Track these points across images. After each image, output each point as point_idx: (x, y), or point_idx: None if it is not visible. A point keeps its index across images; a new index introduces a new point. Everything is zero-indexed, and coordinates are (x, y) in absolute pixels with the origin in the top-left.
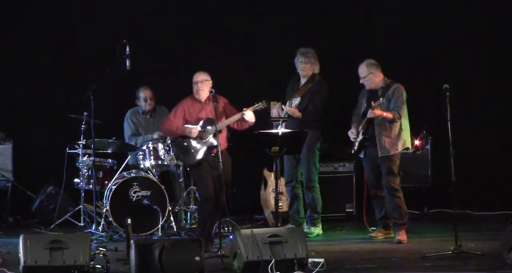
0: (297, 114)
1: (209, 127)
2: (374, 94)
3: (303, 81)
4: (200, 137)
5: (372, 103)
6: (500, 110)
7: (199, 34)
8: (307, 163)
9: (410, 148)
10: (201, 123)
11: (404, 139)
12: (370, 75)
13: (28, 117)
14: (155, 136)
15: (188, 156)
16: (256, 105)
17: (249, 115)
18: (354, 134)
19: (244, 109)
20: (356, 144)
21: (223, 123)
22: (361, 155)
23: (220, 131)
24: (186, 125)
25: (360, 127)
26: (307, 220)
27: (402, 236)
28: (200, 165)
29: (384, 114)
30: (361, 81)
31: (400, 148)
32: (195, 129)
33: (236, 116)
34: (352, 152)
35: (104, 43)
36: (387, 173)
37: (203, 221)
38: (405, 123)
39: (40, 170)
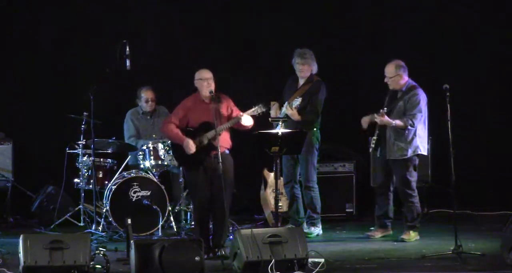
0: (296, 117)
1: (209, 132)
2: (394, 95)
3: (301, 82)
4: (199, 141)
5: (380, 110)
6: (500, 110)
7: (199, 34)
8: (306, 163)
9: (424, 154)
10: (199, 126)
11: (417, 145)
12: (397, 77)
13: (28, 117)
14: (154, 136)
15: (186, 159)
16: (253, 109)
17: (245, 119)
18: (365, 121)
19: (240, 113)
20: (374, 142)
21: (221, 127)
22: (378, 154)
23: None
24: (186, 138)
25: (377, 126)
26: (307, 220)
27: (407, 235)
28: (196, 169)
29: (393, 123)
30: (385, 80)
31: (410, 154)
32: (192, 146)
33: (233, 121)
34: (370, 150)
35: (104, 43)
36: (398, 179)
37: (200, 231)
38: (421, 129)
39: (40, 170)
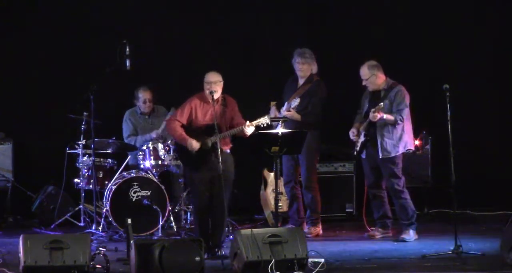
0: (296, 116)
1: (212, 137)
2: (376, 95)
3: (301, 81)
4: (203, 144)
5: (380, 104)
6: (500, 110)
7: (199, 34)
8: (306, 163)
9: (412, 149)
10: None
11: (406, 141)
12: (372, 77)
13: (28, 117)
14: (154, 135)
15: (189, 159)
16: (258, 120)
17: (250, 131)
18: (355, 134)
19: (247, 124)
20: (358, 145)
21: (225, 133)
22: (363, 156)
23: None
24: (190, 139)
25: (362, 128)
26: (307, 220)
27: (407, 234)
28: (197, 169)
29: (385, 116)
30: (363, 83)
31: (401, 150)
32: (196, 145)
33: (237, 130)
34: (354, 153)
35: (104, 43)
36: (390, 176)
37: (200, 230)
38: (408, 125)
39: (40, 170)
